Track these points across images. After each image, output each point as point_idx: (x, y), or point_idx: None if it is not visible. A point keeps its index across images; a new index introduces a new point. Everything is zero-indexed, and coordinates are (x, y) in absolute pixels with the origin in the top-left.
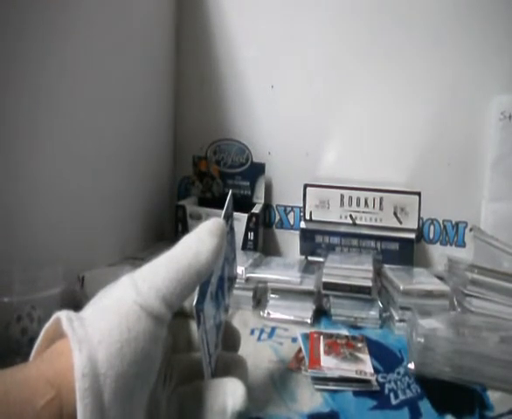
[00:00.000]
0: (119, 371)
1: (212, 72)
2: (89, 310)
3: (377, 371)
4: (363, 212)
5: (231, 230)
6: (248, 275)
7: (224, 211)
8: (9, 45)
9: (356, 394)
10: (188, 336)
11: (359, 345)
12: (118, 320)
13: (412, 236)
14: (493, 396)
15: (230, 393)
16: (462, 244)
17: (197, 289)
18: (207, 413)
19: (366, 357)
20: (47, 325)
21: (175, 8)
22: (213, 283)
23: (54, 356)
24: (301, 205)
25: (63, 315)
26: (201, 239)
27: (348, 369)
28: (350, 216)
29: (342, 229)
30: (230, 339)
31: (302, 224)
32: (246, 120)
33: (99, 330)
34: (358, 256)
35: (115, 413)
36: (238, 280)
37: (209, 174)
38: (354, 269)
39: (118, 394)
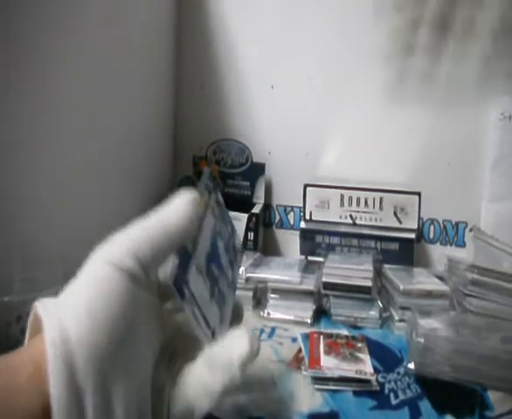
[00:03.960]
0: (89, 328)
1: (212, 72)
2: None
3: (376, 371)
4: (363, 212)
5: (219, 204)
6: (248, 275)
7: (198, 186)
8: (11, 47)
9: (356, 393)
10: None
11: (359, 345)
12: (85, 280)
13: (412, 236)
14: (493, 396)
15: (234, 346)
16: (462, 244)
17: (176, 264)
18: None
19: (366, 357)
20: (30, 316)
21: (175, 9)
22: (198, 257)
23: (37, 338)
24: (301, 205)
25: (39, 301)
26: (168, 204)
27: (348, 369)
28: (350, 215)
29: (342, 229)
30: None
31: (302, 224)
32: (246, 120)
33: (66, 296)
34: (358, 256)
35: (88, 376)
36: (238, 280)
37: None
38: (354, 269)
39: (91, 355)
